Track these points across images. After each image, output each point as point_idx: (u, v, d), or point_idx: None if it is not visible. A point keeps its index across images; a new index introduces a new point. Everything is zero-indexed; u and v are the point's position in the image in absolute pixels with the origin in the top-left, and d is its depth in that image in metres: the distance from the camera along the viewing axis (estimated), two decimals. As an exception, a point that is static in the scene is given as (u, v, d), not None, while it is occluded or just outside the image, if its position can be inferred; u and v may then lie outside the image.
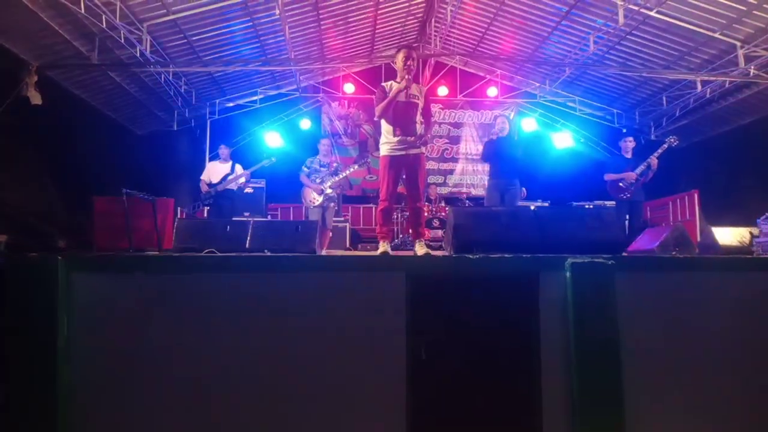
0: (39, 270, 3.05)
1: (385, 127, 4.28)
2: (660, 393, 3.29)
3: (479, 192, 11.41)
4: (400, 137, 4.21)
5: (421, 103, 4.28)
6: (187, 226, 3.99)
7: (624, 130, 10.96)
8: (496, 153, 5.95)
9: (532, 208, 3.98)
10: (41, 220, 7.51)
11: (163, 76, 8.72)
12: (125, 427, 3.08)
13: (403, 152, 4.23)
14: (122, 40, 7.03)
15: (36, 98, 6.90)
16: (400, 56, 4.25)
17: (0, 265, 3.01)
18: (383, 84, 4.35)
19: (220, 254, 3.59)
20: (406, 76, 4.17)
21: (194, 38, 8.16)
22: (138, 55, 7.43)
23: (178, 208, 8.89)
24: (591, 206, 8.12)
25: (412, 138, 4.22)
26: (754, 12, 7.01)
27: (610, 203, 6.93)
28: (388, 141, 4.26)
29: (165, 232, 5.79)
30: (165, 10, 7.22)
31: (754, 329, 3.42)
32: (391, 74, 10.87)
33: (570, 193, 8.96)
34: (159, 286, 3.22)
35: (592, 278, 3.24)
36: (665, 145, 6.38)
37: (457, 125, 11.91)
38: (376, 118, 4.36)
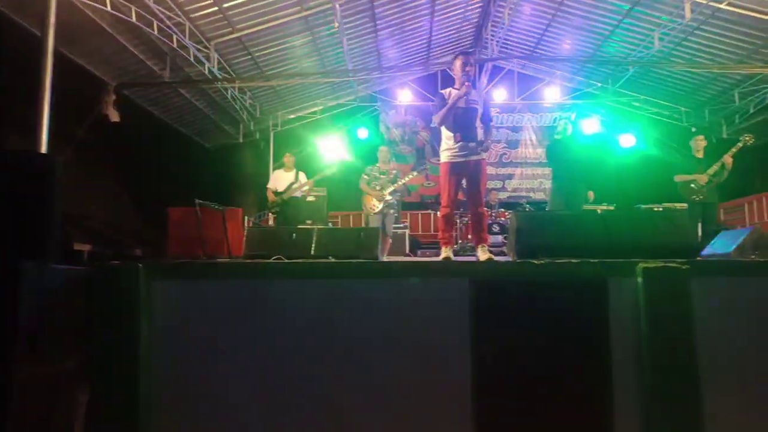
0: (122, 277, 3.26)
1: (446, 134, 4.30)
2: (739, 402, 3.13)
3: (539, 196, 11.19)
4: (460, 143, 4.22)
5: (480, 109, 4.29)
6: (256, 234, 4.17)
7: (693, 129, 10.45)
8: (560, 156, 5.83)
9: (599, 211, 3.89)
10: (118, 231, 8.01)
11: (229, 91, 9.12)
12: (201, 430, 3.24)
13: (464, 158, 4.23)
14: (191, 58, 7.42)
15: (114, 116, 7.39)
16: (458, 63, 4.27)
17: (85, 273, 3.24)
18: (442, 91, 4.37)
19: (287, 260, 3.73)
20: (466, 82, 4.19)
21: (258, 54, 8.49)
22: (206, 71, 7.81)
23: (245, 217, 9.24)
24: (660, 209, 7.79)
25: (473, 144, 4.23)
26: (839, -2, 6.57)
27: (681, 205, 6.62)
28: (448, 147, 4.28)
29: (235, 241, 6.04)
30: (230, 28, 7.57)
31: None
32: (448, 81, 10.92)
33: (637, 195, 8.63)
34: (231, 293, 3.37)
35: (666, 284, 3.12)
36: (740, 144, 6.03)
37: (516, 129, 11.74)
38: (436, 126, 4.40)
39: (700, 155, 6.42)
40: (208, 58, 7.67)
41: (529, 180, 11.59)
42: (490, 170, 11.46)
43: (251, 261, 3.73)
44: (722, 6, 7.24)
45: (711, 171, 6.08)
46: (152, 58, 7.58)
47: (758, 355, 3.17)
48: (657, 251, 3.39)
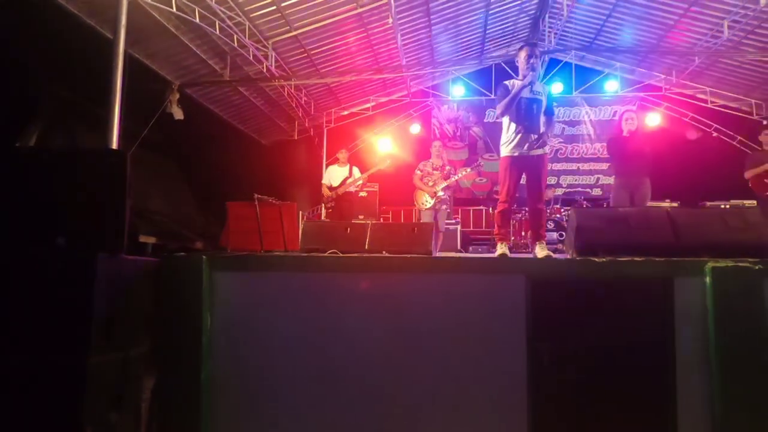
0: (187, 269, 3.41)
1: (508, 126, 4.25)
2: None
3: (596, 192, 10.85)
4: (522, 135, 4.17)
5: (544, 101, 4.23)
6: (312, 228, 4.25)
7: (765, 122, 9.83)
8: (623, 150, 5.64)
9: (666, 208, 3.74)
10: (181, 224, 8.34)
11: (285, 89, 9.31)
12: (261, 417, 3.34)
13: (525, 152, 4.19)
14: (251, 57, 7.62)
15: (178, 114, 7.70)
16: (523, 54, 4.23)
17: (154, 264, 3.40)
18: (506, 82, 4.33)
19: (342, 254, 3.78)
20: (531, 72, 4.13)
21: (313, 51, 8.62)
22: (264, 70, 8.00)
23: (299, 212, 9.44)
24: (727, 206, 7.41)
25: (535, 137, 4.18)
26: None
27: (750, 202, 6.28)
28: (509, 140, 4.23)
29: (290, 234, 6.16)
30: (288, 27, 7.72)
31: None
32: (502, 75, 10.76)
33: (702, 191, 8.23)
34: (289, 285, 3.47)
35: (737, 283, 2.99)
36: None
37: (573, 123, 11.42)
38: (498, 116, 4.35)
39: None
40: (266, 57, 7.85)
41: (585, 176, 11.26)
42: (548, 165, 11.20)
43: (308, 254, 3.80)
44: (800, -10, 6.79)
45: None
46: (213, 57, 7.83)
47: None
48: (729, 250, 3.23)
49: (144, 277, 3.26)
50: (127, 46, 5.17)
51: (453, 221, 9.09)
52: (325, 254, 3.81)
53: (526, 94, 4.16)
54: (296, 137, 11.11)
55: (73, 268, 2.71)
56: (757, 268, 3.01)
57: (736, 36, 8.14)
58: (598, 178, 11.08)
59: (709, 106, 10.62)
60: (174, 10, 6.05)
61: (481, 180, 11.45)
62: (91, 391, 2.66)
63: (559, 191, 10.67)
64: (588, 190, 10.58)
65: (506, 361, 3.25)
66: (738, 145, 10.39)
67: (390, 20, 7.40)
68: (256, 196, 5.21)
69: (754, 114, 10.31)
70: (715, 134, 10.79)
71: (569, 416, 3.18)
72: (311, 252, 3.97)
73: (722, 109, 10.63)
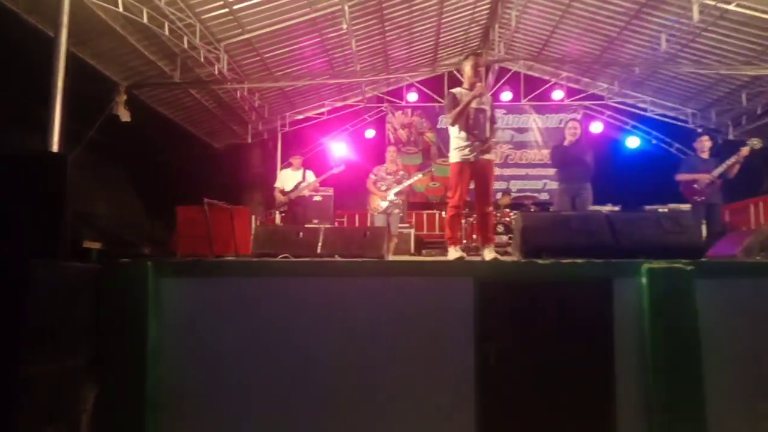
0: (131, 275, 3.31)
1: (458, 134, 4.35)
2: (744, 401, 3.15)
3: (544, 197, 11.20)
4: (472, 143, 4.29)
5: (489, 110, 4.36)
6: (264, 233, 4.22)
7: (699, 130, 10.41)
8: (565, 157, 5.87)
9: (604, 212, 3.91)
10: (128, 229, 8.09)
11: (238, 92, 9.19)
12: (209, 427, 3.28)
13: (475, 158, 4.31)
14: (202, 59, 7.49)
15: (125, 116, 7.48)
16: (469, 63, 4.35)
17: (95, 271, 3.29)
18: (452, 90, 4.43)
19: (294, 259, 3.77)
20: (479, 83, 4.26)
21: (266, 55, 8.55)
22: (216, 72, 7.88)
23: (253, 216, 9.31)
24: (665, 210, 7.79)
25: (484, 144, 4.32)
26: None
27: (685, 207, 6.63)
28: (459, 147, 4.34)
29: (242, 239, 6.10)
30: (240, 30, 7.64)
31: None
32: (454, 82, 10.94)
33: (642, 196, 8.62)
34: (238, 290, 3.43)
35: (670, 284, 3.15)
36: (748, 148, 6.00)
37: (522, 130, 11.76)
38: (449, 125, 4.44)
39: (705, 156, 6.43)
40: (218, 59, 7.73)
41: (534, 181, 11.60)
42: (494, 171, 11.48)
43: (258, 259, 3.77)
44: (731, 7, 7.22)
45: (716, 172, 6.07)
46: (163, 59, 7.66)
47: (762, 354, 3.19)
48: (663, 251, 3.41)
49: (85, 284, 3.15)
50: (71, 45, 5.00)
51: (406, 225, 9.17)
52: (277, 259, 3.79)
53: (474, 103, 4.28)
54: (250, 141, 10.97)
55: (5, 276, 2.59)
56: (689, 269, 3.18)
57: (672, 49, 8.60)
58: (545, 183, 11.43)
59: (649, 114, 11.17)
60: (121, 10, 5.89)
61: (434, 184, 11.62)
62: (25, 405, 2.55)
63: (509, 196, 10.95)
64: (536, 194, 10.89)
65: (455, 362, 3.32)
66: (675, 152, 10.95)
67: (344, 26, 7.43)
68: (205, 200, 5.14)
69: (690, 122, 10.90)
70: (654, 141, 11.34)
71: (515, 414, 3.28)
72: (262, 257, 3.93)
73: (661, 118, 11.19)
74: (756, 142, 6.01)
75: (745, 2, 7.12)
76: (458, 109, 4.26)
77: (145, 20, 6.22)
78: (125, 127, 7.58)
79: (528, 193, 10.80)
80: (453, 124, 4.35)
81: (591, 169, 5.83)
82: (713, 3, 7.07)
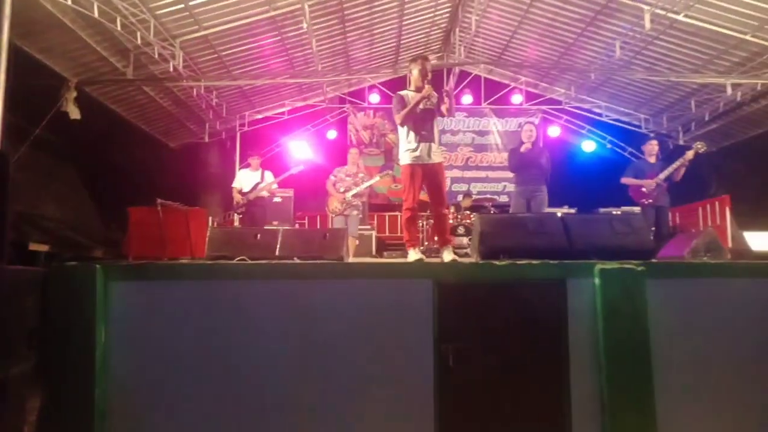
0: (78, 278, 3.18)
1: (406, 136, 4.38)
2: (690, 397, 3.27)
3: (504, 199, 11.38)
4: (420, 143, 4.31)
5: (436, 111, 4.43)
6: (219, 235, 4.12)
7: (651, 135, 10.79)
8: (521, 160, 5.97)
9: (559, 214, 3.99)
10: (78, 232, 7.78)
11: (195, 90, 8.97)
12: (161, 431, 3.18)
13: (425, 160, 4.33)
14: (156, 56, 7.28)
15: (75, 113, 7.18)
16: (418, 66, 4.39)
17: (40, 275, 3.14)
18: (401, 93, 4.48)
19: (251, 261, 3.70)
20: (428, 85, 4.28)
21: (224, 53, 8.39)
22: (171, 70, 7.67)
23: (210, 218, 9.11)
24: (619, 212, 8.03)
25: (433, 145, 4.35)
26: (787, 13, 6.89)
27: (638, 209, 6.83)
28: (410, 149, 4.35)
29: (198, 241, 5.94)
30: (197, 26, 7.46)
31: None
32: (417, 84, 10.99)
33: (597, 199, 8.86)
34: (193, 294, 3.34)
35: (622, 284, 3.24)
36: (692, 152, 6.25)
37: (482, 133, 11.91)
38: (399, 125, 4.44)
39: (653, 160, 6.66)
40: (173, 56, 7.53)
41: (494, 183, 11.77)
42: (456, 173, 11.65)
43: (213, 262, 3.68)
44: (680, 17, 7.51)
45: (662, 176, 6.29)
46: (115, 54, 7.40)
47: (707, 351, 3.31)
48: (615, 253, 3.51)
49: (29, 289, 3.01)
50: (15, 38, 4.76)
51: (368, 227, 9.15)
52: (233, 261, 3.70)
53: (422, 104, 4.33)
54: (207, 140, 10.74)
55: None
56: (639, 269, 3.28)
57: (626, 56, 8.87)
58: (505, 186, 11.61)
59: (604, 119, 11.50)
60: (69, 3, 5.66)
61: (396, 186, 11.63)
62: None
63: (469, 198, 11.09)
64: (496, 196, 11.05)
65: (415, 363, 3.32)
66: (628, 156, 11.29)
67: (304, 25, 7.36)
68: (158, 201, 4.98)
69: (643, 127, 11.27)
70: (609, 145, 11.69)
71: (474, 413, 3.30)
72: (218, 259, 3.84)
73: (615, 123, 11.54)
74: (700, 146, 6.26)
75: (693, 13, 7.42)
76: (406, 109, 4.30)
77: (95, 14, 5.99)
78: (76, 125, 7.28)
79: (488, 196, 10.97)
80: (402, 125, 4.37)
81: (546, 172, 5.95)
82: (664, 13, 7.32)
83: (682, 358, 3.29)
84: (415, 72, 4.40)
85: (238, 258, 3.77)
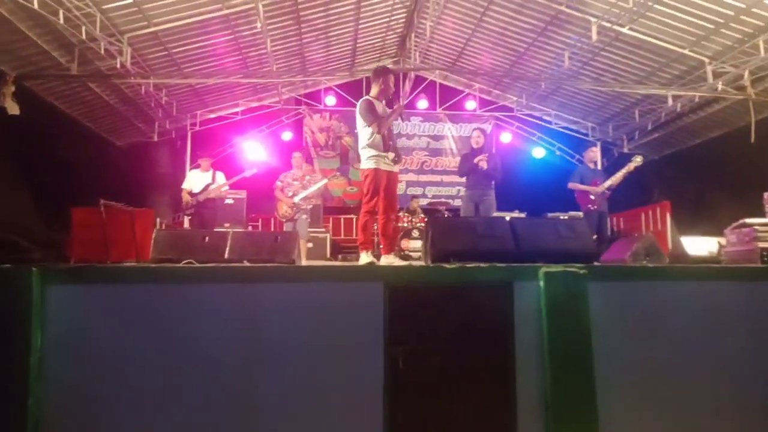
0: (13, 281, 3.03)
1: (377, 143, 4.47)
2: (631, 397, 3.39)
3: (458, 203, 11.54)
4: (389, 153, 4.51)
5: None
6: (165, 237, 4.01)
7: (597, 143, 11.21)
8: (469, 165, 6.06)
9: (507, 218, 4.08)
10: (15, 232, 7.39)
11: (143, 87, 8.70)
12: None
13: (388, 167, 4.52)
14: (102, 52, 7.02)
15: (13, 109, 6.84)
16: (392, 79, 4.65)
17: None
18: (371, 100, 4.57)
19: (198, 265, 3.61)
20: (399, 102, 4.52)
21: (175, 50, 8.18)
22: (118, 66, 7.42)
23: (158, 219, 8.84)
24: (566, 217, 8.28)
25: (394, 155, 4.57)
26: (722, 30, 7.28)
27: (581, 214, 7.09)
28: (379, 155, 4.46)
29: (144, 244, 5.75)
30: (146, 23, 7.25)
31: (721, 337, 3.54)
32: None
33: (546, 204, 9.12)
34: (137, 298, 3.23)
35: (565, 287, 3.34)
36: (632, 165, 6.59)
37: (437, 138, 12.06)
38: (377, 132, 4.48)
39: (594, 166, 7.01)
40: (120, 52, 7.28)
41: (448, 187, 11.93)
42: (411, 177, 11.77)
43: (158, 265, 3.57)
44: (624, 30, 7.83)
45: (606, 185, 6.60)
46: (58, 49, 7.09)
47: (645, 350, 3.45)
48: (560, 256, 3.61)
49: (-44, 293, 2.84)
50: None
51: (322, 229, 9.11)
52: (179, 265, 3.60)
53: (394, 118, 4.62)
54: (156, 139, 10.43)
55: None
56: (582, 272, 3.39)
57: (575, 66, 9.18)
58: (459, 190, 11.77)
59: (554, 127, 11.85)
60: (8, -8, 5.40)
61: (352, 189, 11.64)
62: None
63: (424, 201, 11.21)
64: (450, 200, 11.20)
65: (366, 366, 3.32)
66: (576, 162, 11.66)
67: (258, 25, 7.26)
68: (101, 201, 4.79)
69: (590, 136, 11.69)
70: (558, 152, 12.05)
71: (422, 414, 3.33)
72: (163, 262, 3.73)
73: (564, 130, 11.91)
74: (639, 159, 6.62)
75: (637, 27, 7.75)
76: (385, 120, 4.49)
77: (35, 6, 5.73)
78: (15, 121, 6.94)
79: (443, 200, 11.09)
80: (380, 132, 4.47)
81: (494, 177, 6.05)
82: (609, 25, 7.62)
83: (623, 358, 3.42)
84: (380, 83, 4.60)
85: (185, 261, 3.68)
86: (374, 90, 4.62)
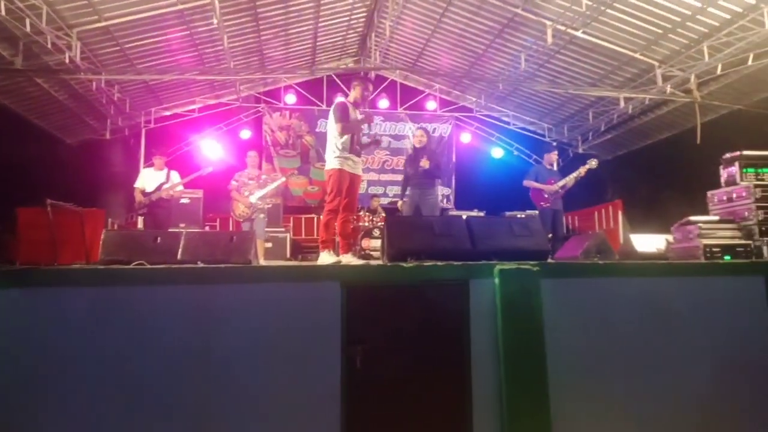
0: (-49, 285, 2.89)
1: (341, 143, 4.53)
2: (582, 389, 3.48)
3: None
4: (354, 154, 4.61)
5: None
6: (114, 238, 3.88)
7: (554, 144, 11.48)
8: (411, 164, 6.03)
9: (464, 217, 4.13)
10: (-43, 234, 7.04)
11: (94, 83, 8.41)
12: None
13: (354, 170, 4.62)
14: (49, 46, 6.75)
15: (-48, 104, 6.51)
16: (362, 86, 4.80)
17: None
18: (346, 103, 4.70)
19: (150, 266, 3.51)
20: (370, 113, 4.91)
21: (128, 45, 7.94)
22: (67, 61, 7.14)
23: (110, 220, 8.56)
24: (523, 215, 8.45)
25: (360, 158, 4.71)
26: (670, 35, 7.57)
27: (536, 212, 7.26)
28: (344, 156, 4.53)
29: (94, 245, 5.56)
30: (96, 17, 7.01)
31: (666, 331, 3.68)
32: (333, 87, 11.01)
33: (504, 202, 9.29)
34: (85, 301, 3.11)
35: (519, 284, 3.40)
36: (586, 167, 6.79)
37: (398, 137, 12.10)
38: (338, 133, 4.57)
39: (551, 167, 7.21)
40: (69, 47, 7.01)
41: (409, 186, 11.99)
42: (372, 176, 11.77)
43: (107, 267, 3.45)
44: (578, 34, 8.05)
45: (560, 184, 6.78)
46: (1, 42, 6.77)
47: (595, 344, 3.55)
48: (514, 254, 3.67)
49: None
50: None
51: (282, 229, 9.02)
52: (130, 266, 3.49)
53: (363, 123, 4.77)
54: (109, 137, 10.09)
55: None
56: (535, 269, 3.45)
57: (531, 68, 9.37)
58: (421, 190, 11.86)
59: (512, 128, 12.07)
60: (-56, -19, 5.13)
61: (313, 188, 11.56)
62: None
63: (385, 201, 11.24)
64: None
65: (323, 366, 3.30)
66: (533, 162, 11.91)
67: (215, 20, 7.11)
68: (48, 201, 4.60)
69: (547, 136, 11.96)
70: (516, 152, 12.28)
71: (380, 413, 3.33)
72: (112, 264, 3.61)
73: (522, 131, 12.15)
74: (593, 163, 6.82)
75: (590, 30, 7.97)
76: (356, 122, 4.63)
77: (-25, -4, 5.47)
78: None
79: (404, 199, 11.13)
80: (342, 135, 4.54)
81: (437, 176, 5.98)
82: (564, 28, 7.81)
83: (574, 353, 3.50)
84: (358, 90, 4.77)
85: (136, 262, 3.57)
86: (352, 95, 4.79)
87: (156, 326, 3.15)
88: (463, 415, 3.38)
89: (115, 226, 8.42)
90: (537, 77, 9.79)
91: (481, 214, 9.02)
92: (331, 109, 4.66)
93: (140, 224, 7.80)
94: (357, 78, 4.88)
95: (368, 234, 8.55)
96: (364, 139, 5.07)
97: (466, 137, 12.19)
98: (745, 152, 4.95)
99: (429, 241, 3.73)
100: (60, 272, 3.29)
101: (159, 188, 6.65)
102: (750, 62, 7.20)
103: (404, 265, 3.51)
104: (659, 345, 3.65)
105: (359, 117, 4.74)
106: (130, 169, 9.96)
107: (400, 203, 6.41)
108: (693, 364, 3.66)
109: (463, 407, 3.38)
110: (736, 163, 4.95)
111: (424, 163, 5.75)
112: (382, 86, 11.67)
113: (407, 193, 6.07)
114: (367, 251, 8.17)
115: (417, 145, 6.08)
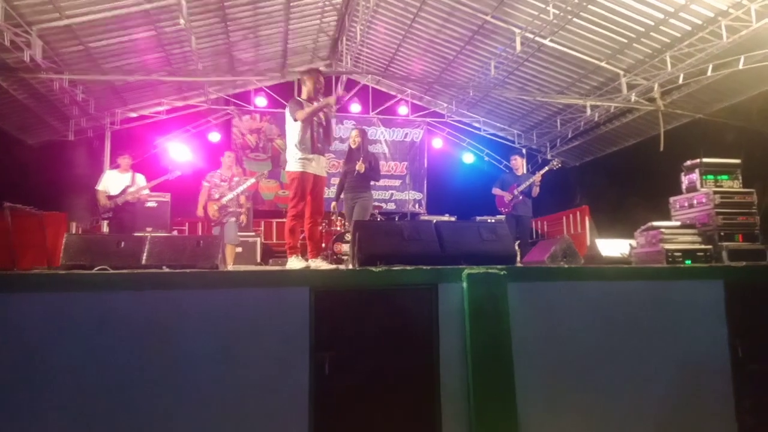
0: None
1: (301, 144, 4.39)
2: (548, 391, 3.53)
3: (392, 207, 11.65)
4: (317, 155, 4.45)
5: (326, 125, 4.61)
6: (76, 242, 3.76)
7: (523, 150, 11.67)
8: (346, 166, 5.97)
9: (434, 221, 4.15)
10: None
11: (56, 83, 8.16)
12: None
13: (318, 171, 4.48)
14: (7, 43, 6.52)
15: None
16: (312, 78, 4.53)
17: None
18: (301, 100, 4.51)
19: (112, 271, 3.41)
20: (331, 97, 4.48)
21: (92, 45, 7.74)
22: (27, 60, 6.92)
23: (73, 223, 8.33)
24: (493, 221, 8.54)
25: (323, 158, 4.52)
26: (635, 45, 7.77)
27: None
28: (304, 158, 4.39)
29: (56, 249, 5.39)
30: (58, 14, 6.81)
31: (629, 331, 3.76)
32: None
33: (475, 207, 9.38)
34: (44, 307, 3.01)
35: (487, 287, 3.43)
36: (543, 170, 6.96)
37: (370, 142, 12.08)
38: (296, 119, 4.39)
39: (519, 172, 7.33)
40: (29, 45, 6.79)
41: (381, 191, 11.99)
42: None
43: (68, 272, 3.35)
44: (546, 42, 8.19)
45: (521, 188, 6.91)
46: (-45, 38, 6.54)
47: (560, 347, 3.60)
48: (482, 258, 3.71)
49: None
50: None
51: (253, 233, 8.91)
52: (92, 271, 3.40)
53: (322, 117, 4.49)
54: (72, 138, 9.80)
55: None
56: (502, 273, 3.49)
57: (500, 75, 9.50)
58: (392, 194, 11.90)
59: (482, 133, 12.21)
60: None
61: (284, 192, 11.45)
62: None
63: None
64: (383, 204, 11.27)
65: (290, 372, 3.26)
66: (503, 168, 12.08)
67: (182, 21, 6.99)
68: (6, 204, 4.45)
69: (516, 143, 12.13)
70: (486, 158, 12.42)
71: (349, 419, 3.31)
72: (73, 269, 3.50)
73: (492, 137, 12.30)
74: (555, 163, 6.97)
75: (558, 39, 8.13)
76: (310, 110, 4.34)
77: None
78: None
79: (375, 203, 11.14)
80: (298, 119, 4.35)
81: (372, 177, 5.93)
82: (532, 36, 7.94)
83: (539, 356, 3.55)
84: (309, 84, 4.53)
85: (98, 267, 3.47)
86: (305, 91, 4.58)
87: (118, 333, 3.07)
88: (432, 419, 3.38)
89: (79, 230, 8.19)
90: (507, 84, 9.93)
91: (453, 218, 9.09)
92: (286, 110, 4.48)
93: (105, 228, 7.60)
94: (304, 72, 4.61)
95: (340, 238, 8.51)
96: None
97: (437, 142, 12.27)
98: (705, 159, 5.11)
99: (398, 246, 3.74)
100: (18, 277, 3.17)
101: (124, 191, 6.50)
102: (709, 73, 7.45)
103: (373, 269, 3.51)
104: (622, 347, 3.73)
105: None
106: (94, 171, 9.69)
107: (333, 205, 6.36)
108: (654, 366, 3.75)
109: (431, 411, 3.38)
110: (697, 170, 5.10)
111: (360, 167, 5.68)
112: (354, 90, 11.65)
113: (344, 196, 5.98)
114: (339, 255, 8.13)
115: (352, 146, 5.95)
